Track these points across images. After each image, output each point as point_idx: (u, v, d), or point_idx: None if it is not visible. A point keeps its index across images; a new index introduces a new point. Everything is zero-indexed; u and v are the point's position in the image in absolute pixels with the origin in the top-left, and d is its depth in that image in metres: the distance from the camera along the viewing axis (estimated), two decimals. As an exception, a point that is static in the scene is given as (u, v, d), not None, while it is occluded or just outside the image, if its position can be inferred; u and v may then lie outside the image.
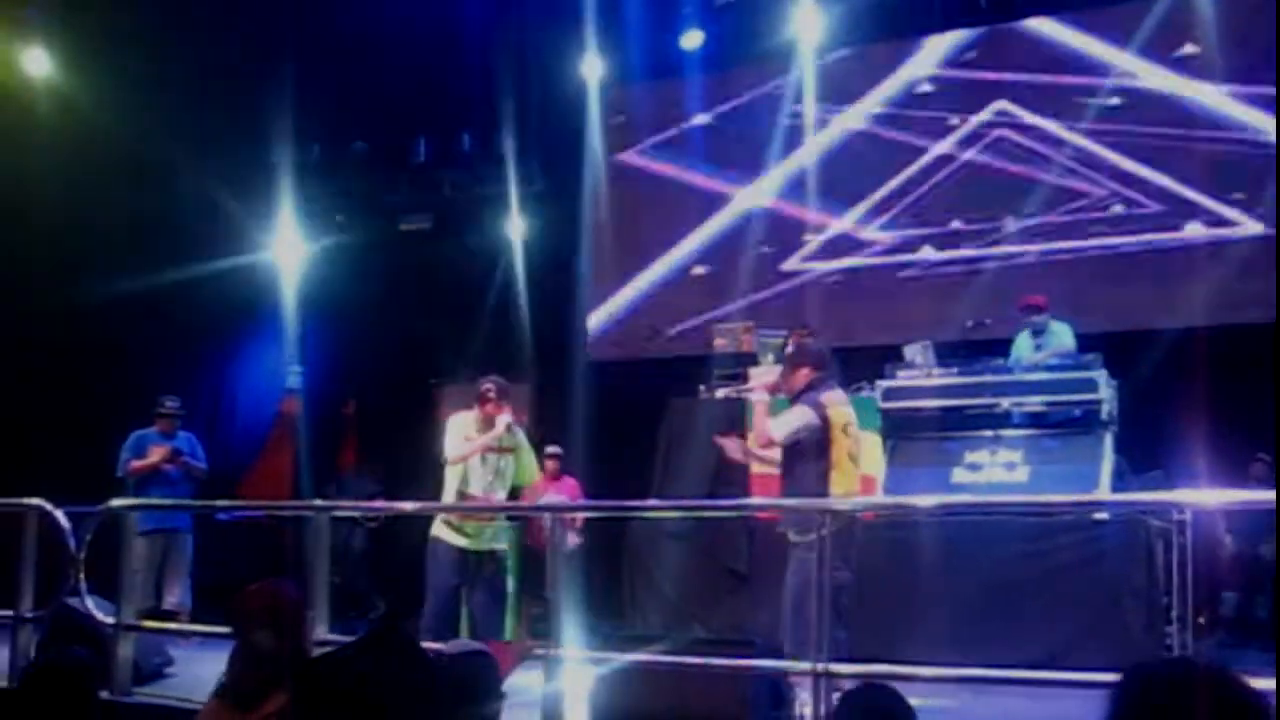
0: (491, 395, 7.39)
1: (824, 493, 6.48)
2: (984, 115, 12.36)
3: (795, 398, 6.82)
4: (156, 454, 9.73)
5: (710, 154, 13.57)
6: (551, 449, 10.88)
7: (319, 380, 14.86)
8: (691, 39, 13.45)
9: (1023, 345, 9.78)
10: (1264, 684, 3.96)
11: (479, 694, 3.55)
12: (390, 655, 2.18)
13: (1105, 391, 8.46)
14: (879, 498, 8.38)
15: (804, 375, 6.83)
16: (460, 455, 7.39)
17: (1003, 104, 12.30)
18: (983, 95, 12.42)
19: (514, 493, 7.67)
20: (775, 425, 6.74)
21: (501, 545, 7.53)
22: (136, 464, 9.71)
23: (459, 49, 12.78)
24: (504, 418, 7.37)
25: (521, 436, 7.64)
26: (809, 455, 6.64)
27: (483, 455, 7.42)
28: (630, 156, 14.07)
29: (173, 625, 8.46)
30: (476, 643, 3.57)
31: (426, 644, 3.22)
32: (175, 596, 9.53)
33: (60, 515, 6.99)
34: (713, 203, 13.50)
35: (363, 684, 2.08)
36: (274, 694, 3.52)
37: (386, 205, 14.50)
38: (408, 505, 7.32)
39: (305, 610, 3.78)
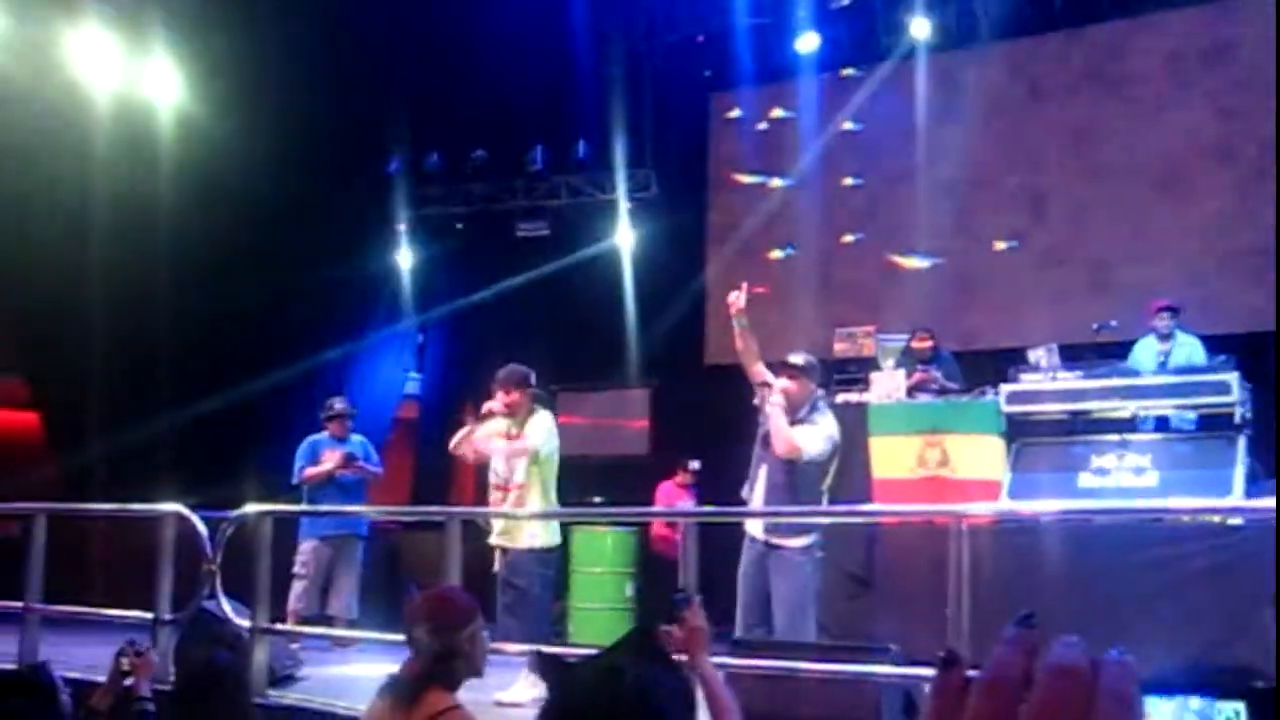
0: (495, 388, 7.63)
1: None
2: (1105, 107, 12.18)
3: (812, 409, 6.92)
4: (330, 460, 9.53)
5: (821, 155, 13.48)
6: (693, 464, 11.31)
7: (437, 386, 15.05)
8: (806, 42, 13.40)
9: (1145, 349, 9.59)
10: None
11: None
12: (643, 660, 2.16)
13: (1238, 394, 8.25)
14: (1002, 503, 8.27)
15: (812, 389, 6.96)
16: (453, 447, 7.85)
17: (1118, 96, 12.13)
18: (1100, 86, 12.24)
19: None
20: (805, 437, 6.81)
21: (512, 542, 7.42)
22: (310, 471, 9.50)
23: (575, 57, 12.87)
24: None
25: (531, 441, 7.56)
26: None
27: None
28: (743, 161, 14.04)
29: (305, 629, 8.61)
30: None
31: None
32: (341, 601, 9.39)
33: (197, 520, 7.17)
34: (826, 203, 13.42)
35: (613, 688, 2.07)
36: (433, 690, 3.57)
37: (503, 212, 14.66)
38: (522, 511, 7.38)
39: (474, 616, 3.79)
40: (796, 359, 7.01)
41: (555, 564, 7.70)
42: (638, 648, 2.19)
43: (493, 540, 7.51)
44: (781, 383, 6.86)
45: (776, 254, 13.52)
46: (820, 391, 7.15)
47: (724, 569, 7.12)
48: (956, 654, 0.94)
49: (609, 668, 2.12)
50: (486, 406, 7.57)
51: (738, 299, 6.94)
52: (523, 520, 7.45)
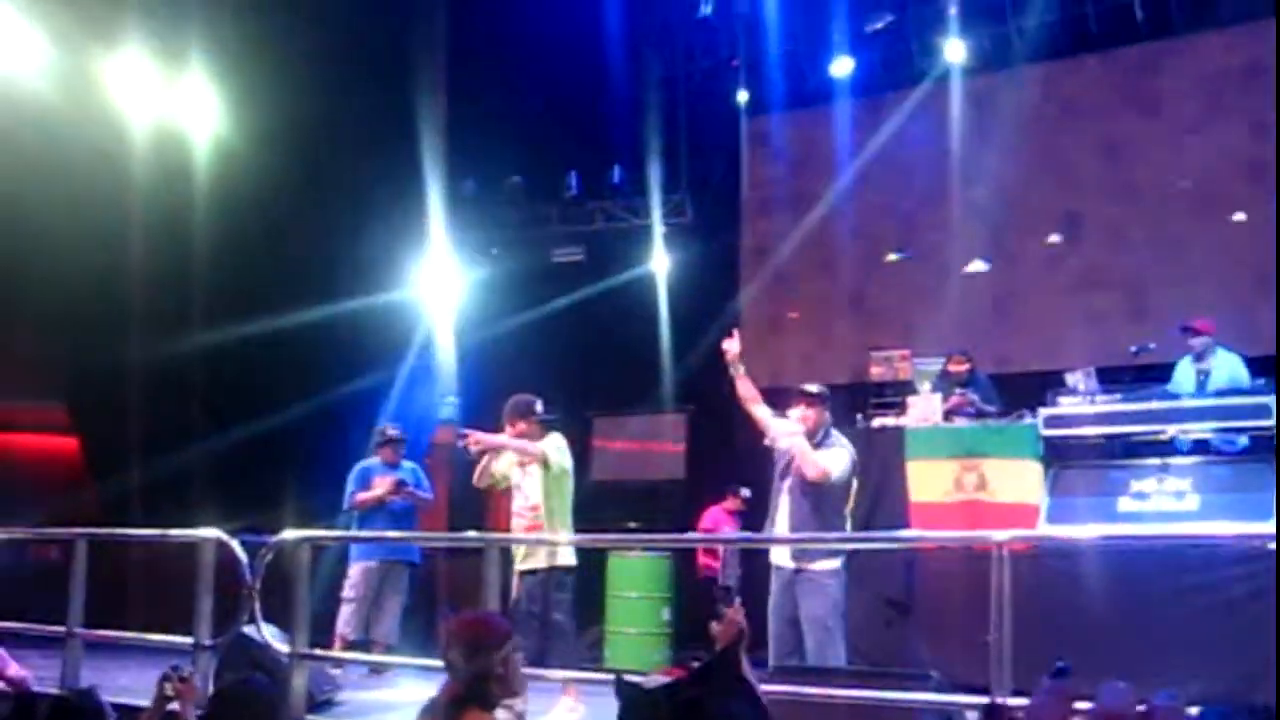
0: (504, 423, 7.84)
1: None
2: (1140, 128, 12.15)
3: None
4: (381, 487, 9.50)
5: (856, 179, 13.48)
6: (744, 491, 11.31)
7: (473, 411, 15.04)
8: (841, 66, 13.40)
9: (1185, 370, 9.53)
10: None
11: None
12: (724, 693, 2.14)
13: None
14: (1042, 528, 8.21)
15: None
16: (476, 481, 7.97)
17: (1153, 116, 12.10)
18: (1138, 108, 12.21)
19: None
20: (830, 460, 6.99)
21: (526, 564, 7.56)
22: (361, 497, 9.47)
23: (610, 83, 12.93)
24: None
25: (542, 446, 7.71)
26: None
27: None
28: (779, 184, 14.06)
29: (344, 655, 8.62)
30: None
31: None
32: (384, 626, 9.35)
33: (236, 546, 7.20)
34: (861, 227, 13.41)
35: (686, 711, 2.05)
36: (469, 712, 3.60)
37: (539, 237, 14.71)
38: (558, 536, 7.44)
39: (507, 638, 3.81)
40: (812, 388, 7.32)
41: (572, 585, 7.71)
42: (720, 678, 2.18)
43: (516, 566, 7.57)
44: (799, 411, 7.09)
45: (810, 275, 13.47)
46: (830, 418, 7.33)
47: (761, 602, 7.12)
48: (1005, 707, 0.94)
49: (691, 700, 2.10)
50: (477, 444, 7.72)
51: (731, 346, 7.26)
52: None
